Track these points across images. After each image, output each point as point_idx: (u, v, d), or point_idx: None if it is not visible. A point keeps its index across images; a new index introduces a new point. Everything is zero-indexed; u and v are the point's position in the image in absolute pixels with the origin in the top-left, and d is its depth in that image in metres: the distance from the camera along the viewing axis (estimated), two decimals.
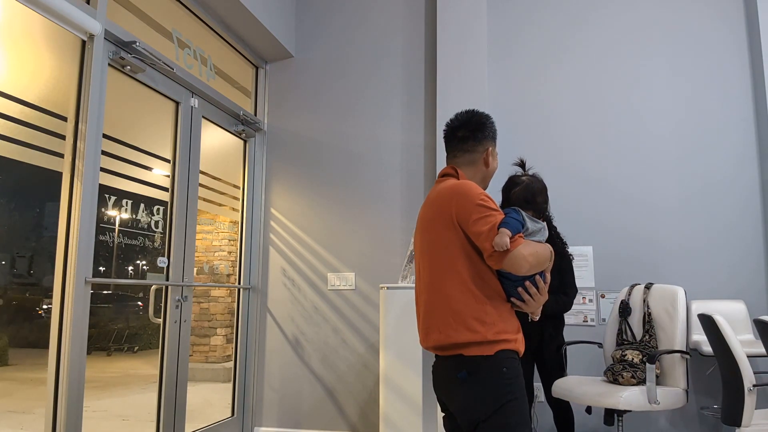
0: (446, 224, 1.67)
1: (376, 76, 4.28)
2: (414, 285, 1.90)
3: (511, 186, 1.78)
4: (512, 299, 1.68)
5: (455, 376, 1.64)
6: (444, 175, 1.85)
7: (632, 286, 3.24)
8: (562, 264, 3.16)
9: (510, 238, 1.54)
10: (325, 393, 4.02)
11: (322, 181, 4.28)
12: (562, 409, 3.10)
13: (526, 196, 1.77)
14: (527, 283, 1.65)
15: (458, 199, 1.65)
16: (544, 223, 1.71)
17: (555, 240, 3.18)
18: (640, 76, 3.83)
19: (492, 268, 1.65)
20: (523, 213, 1.65)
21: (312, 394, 4.05)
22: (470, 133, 1.82)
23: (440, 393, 1.76)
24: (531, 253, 1.58)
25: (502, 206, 1.80)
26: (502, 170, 2.18)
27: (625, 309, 3.14)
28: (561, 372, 3.12)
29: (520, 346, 1.67)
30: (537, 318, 1.78)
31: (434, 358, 1.79)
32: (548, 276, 1.70)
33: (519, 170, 1.91)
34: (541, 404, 3.53)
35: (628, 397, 2.70)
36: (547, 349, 3.09)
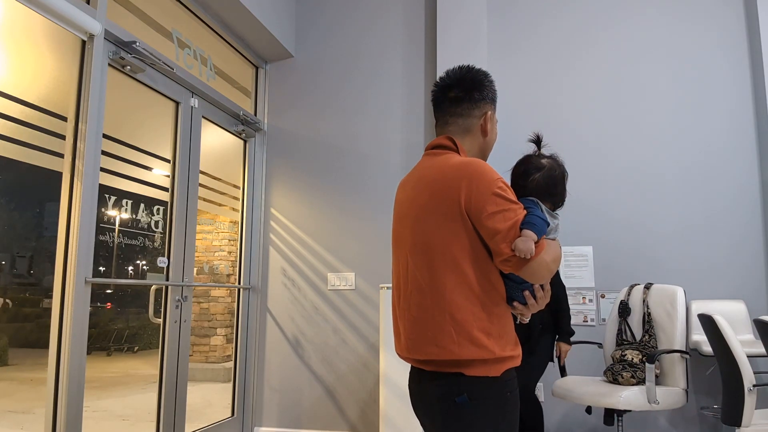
0: (451, 213, 1.33)
1: (376, 75, 4.29)
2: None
3: (529, 170, 1.42)
4: (515, 303, 1.40)
5: (452, 400, 1.33)
6: (437, 146, 1.48)
7: (632, 287, 3.24)
8: None
9: (536, 243, 1.26)
10: (325, 393, 4.02)
11: (322, 180, 4.28)
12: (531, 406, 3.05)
13: (548, 186, 1.39)
14: (536, 286, 1.38)
15: (469, 183, 1.32)
16: (559, 217, 1.46)
17: None
18: (640, 77, 3.83)
19: (498, 268, 1.35)
20: (543, 206, 1.38)
21: (312, 394, 4.05)
22: (465, 93, 1.47)
23: (425, 414, 1.43)
24: (554, 259, 1.31)
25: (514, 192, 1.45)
26: (509, 156, 1.64)
27: (624, 309, 3.15)
28: (522, 370, 3.04)
29: (519, 362, 1.41)
30: (526, 321, 1.52)
31: (411, 368, 1.48)
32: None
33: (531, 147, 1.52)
34: (542, 403, 3.53)
35: (628, 397, 2.70)
36: (534, 344, 3.05)
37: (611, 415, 2.96)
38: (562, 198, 1.44)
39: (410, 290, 1.41)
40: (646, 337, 2.96)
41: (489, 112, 1.49)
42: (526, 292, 1.37)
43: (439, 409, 1.36)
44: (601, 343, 3.30)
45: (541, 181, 1.41)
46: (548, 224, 1.33)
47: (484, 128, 1.49)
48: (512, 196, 1.33)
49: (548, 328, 3.09)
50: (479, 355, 1.31)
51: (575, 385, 2.96)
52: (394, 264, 1.51)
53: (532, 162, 1.45)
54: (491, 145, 1.54)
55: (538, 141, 1.50)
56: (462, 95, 1.47)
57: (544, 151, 1.53)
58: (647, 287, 3.14)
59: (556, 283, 3.07)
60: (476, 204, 1.30)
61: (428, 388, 1.39)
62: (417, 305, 1.38)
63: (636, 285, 3.23)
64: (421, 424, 1.47)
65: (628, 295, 3.21)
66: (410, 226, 1.42)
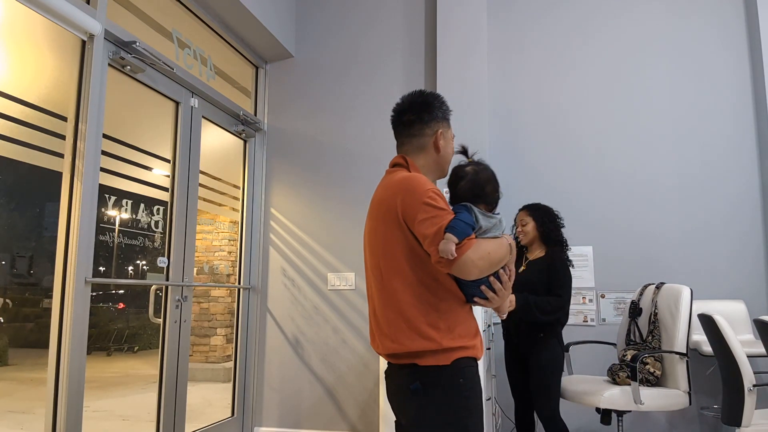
0: (392, 222, 1.51)
1: (376, 75, 4.28)
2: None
3: (455, 180, 1.57)
4: (475, 299, 1.54)
5: (408, 388, 1.50)
6: (394, 165, 1.67)
7: (645, 287, 3.22)
8: (551, 268, 2.89)
9: (457, 244, 1.40)
10: (325, 393, 4.02)
11: (322, 180, 4.28)
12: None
13: (474, 189, 1.53)
14: (491, 278, 1.51)
15: (404, 195, 1.50)
16: (500, 215, 1.56)
17: (555, 243, 2.98)
18: (640, 76, 3.83)
19: None
20: (476, 209, 1.50)
21: (312, 394, 4.05)
22: (416, 115, 1.64)
23: (392, 403, 1.61)
24: (482, 256, 1.43)
25: (451, 202, 1.59)
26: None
27: (634, 309, 3.13)
28: (543, 394, 2.80)
29: (479, 352, 1.54)
30: (504, 316, 1.62)
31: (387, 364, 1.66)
32: (512, 267, 1.57)
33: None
34: None
35: (610, 396, 2.70)
36: (534, 365, 2.86)
37: (608, 414, 2.95)
38: (493, 198, 1.56)
39: (374, 291, 1.60)
40: (650, 337, 2.95)
41: (440, 130, 1.64)
42: (483, 287, 1.51)
43: (399, 398, 1.55)
44: (615, 344, 3.29)
45: (466, 188, 1.55)
46: (473, 226, 1.46)
47: (437, 145, 1.64)
48: (442, 204, 1.48)
49: (553, 334, 2.87)
50: (428, 347, 1.47)
51: (570, 384, 2.96)
52: (365, 268, 1.70)
53: (456, 172, 1.60)
54: (448, 159, 1.69)
55: (464, 152, 1.66)
56: (413, 118, 1.64)
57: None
58: (658, 287, 3.10)
59: (561, 271, 2.88)
60: (410, 213, 1.48)
61: (393, 379, 1.58)
62: (378, 305, 1.57)
63: (649, 285, 3.20)
64: (395, 416, 1.64)
65: (641, 295, 3.19)
66: (367, 235, 1.63)
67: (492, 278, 1.51)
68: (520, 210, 3.11)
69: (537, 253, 3.04)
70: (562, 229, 3.04)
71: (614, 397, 2.71)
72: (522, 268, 3.03)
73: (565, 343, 3.18)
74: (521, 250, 3.13)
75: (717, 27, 3.75)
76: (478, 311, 2.72)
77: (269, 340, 4.19)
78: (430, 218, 1.44)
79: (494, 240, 1.50)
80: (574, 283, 3.62)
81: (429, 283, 1.50)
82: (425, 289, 1.49)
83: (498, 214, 1.55)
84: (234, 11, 3.78)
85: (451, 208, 1.53)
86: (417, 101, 1.65)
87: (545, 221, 3.01)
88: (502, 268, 1.54)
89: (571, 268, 2.95)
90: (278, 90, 4.51)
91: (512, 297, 2.77)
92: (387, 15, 4.33)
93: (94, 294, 2.77)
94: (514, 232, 3.15)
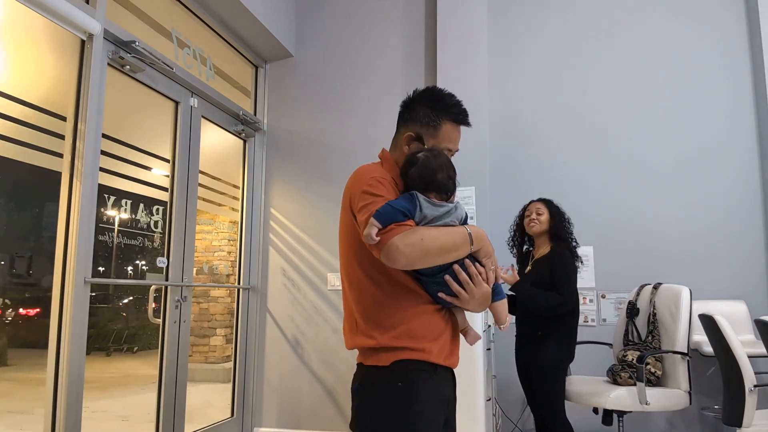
0: (347, 213, 1.44)
1: (375, 75, 4.28)
2: None
3: (406, 168, 1.45)
4: (440, 295, 1.40)
5: (352, 387, 1.42)
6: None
7: (641, 287, 3.21)
8: (552, 265, 2.86)
9: (381, 230, 1.29)
10: (325, 393, 4.01)
11: (321, 180, 4.27)
12: None
13: (423, 176, 1.40)
14: (456, 267, 1.37)
15: (351, 184, 1.45)
16: (454, 204, 1.43)
17: (565, 238, 2.95)
18: (641, 76, 3.83)
19: None
20: (421, 197, 1.37)
21: (312, 394, 4.04)
22: (402, 110, 1.57)
23: None
24: (410, 242, 1.28)
25: (405, 191, 1.46)
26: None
27: (632, 310, 3.12)
28: (547, 401, 2.77)
29: (435, 356, 1.37)
30: (505, 327, 1.50)
31: None
32: (489, 262, 1.42)
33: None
34: None
35: (617, 397, 2.70)
36: (533, 368, 2.82)
37: (610, 415, 2.94)
38: (445, 186, 1.42)
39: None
40: (650, 337, 2.94)
41: (411, 134, 1.50)
42: (447, 277, 1.37)
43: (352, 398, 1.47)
44: (611, 344, 3.28)
45: (415, 175, 1.42)
46: (407, 213, 1.34)
47: (402, 148, 1.52)
48: (381, 191, 1.37)
49: (552, 336, 2.80)
50: (368, 344, 1.38)
51: (573, 385, 2.95)
52: None
53: (408, 159, 1.47)
54: None
55: (420, 138, 1.51)
56: (400, 112, 1.56)
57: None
58: (656, 287, 3.09)
59: (561, 267, 2.83)
60: (354, 202, 1.40)
61: None
62: (343, 301, 1.51)
63: (646, 285, 3.19)
64: None
65: (637, 295, 3.18)
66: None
67: (457, 267, 1.37)
68: (536, 200, 3.09)
69: (542, 250, 3.01)
70: (572, 230, 3.06)
71: (621, 397, 2.70)
72: (528, 268, 3.03)
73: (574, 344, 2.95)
74: (527, 250, 3.16)
75: (721, 30, 3.74)
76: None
77: (269, 341, 4.19)
78: (365, 205, 1.35)
79: (440, 228, 1.36)
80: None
81: (378, 278, 1.39)
82: (373, 283, 1.39)
83: (451, 203, 1.43)
84: (234, 11, 3.77)
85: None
86: (414, 96, 1.56)
87: (558, 217, 3.01)
88: (470, 258, 1.39)
89: (579, 264, 2.92)
90: (278, 90, 4.50)
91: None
92: (387, 15, 4.33)
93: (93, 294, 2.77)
94: (516, 221, 3.18)
